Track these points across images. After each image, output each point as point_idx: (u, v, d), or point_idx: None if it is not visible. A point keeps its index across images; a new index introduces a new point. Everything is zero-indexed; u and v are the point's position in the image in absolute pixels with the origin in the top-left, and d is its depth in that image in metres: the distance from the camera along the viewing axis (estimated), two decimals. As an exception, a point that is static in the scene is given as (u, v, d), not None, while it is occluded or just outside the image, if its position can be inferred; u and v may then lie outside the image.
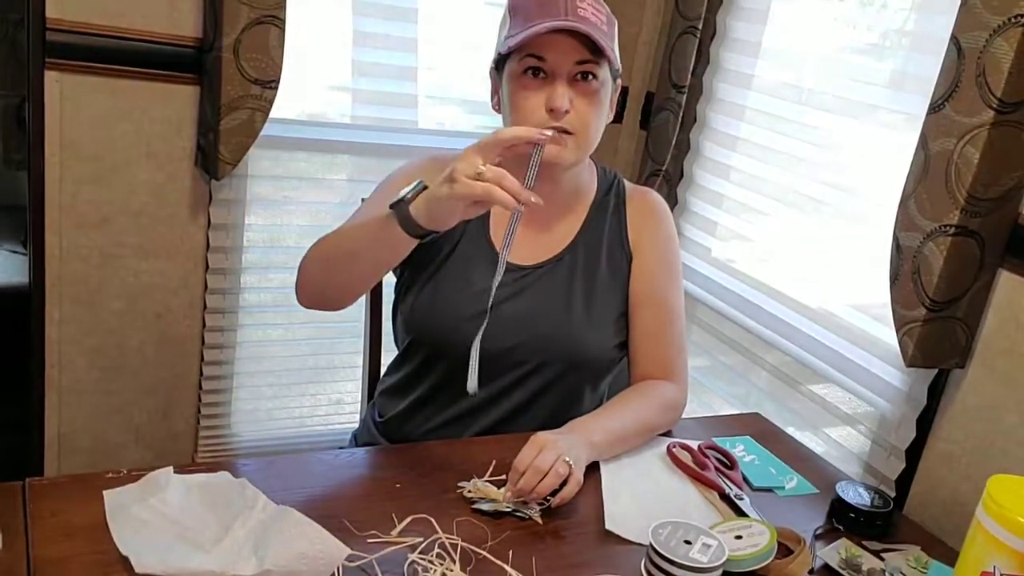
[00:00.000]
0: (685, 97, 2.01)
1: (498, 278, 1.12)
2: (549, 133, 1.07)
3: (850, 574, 1.09)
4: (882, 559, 1.13)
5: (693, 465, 1.27)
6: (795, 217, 1.85)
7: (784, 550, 1.09)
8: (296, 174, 2.02)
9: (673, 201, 2.12)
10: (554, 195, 1.31)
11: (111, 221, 1.83)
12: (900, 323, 1.43)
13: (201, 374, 2.04)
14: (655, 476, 1.25)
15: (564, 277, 1.33)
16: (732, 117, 2.02)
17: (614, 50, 1.23)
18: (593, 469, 1.19)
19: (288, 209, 2.04)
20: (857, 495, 1.21)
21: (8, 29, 2.51)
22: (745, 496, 1.21)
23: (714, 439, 1.36)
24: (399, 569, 0.96)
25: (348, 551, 0.91)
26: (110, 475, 1.03)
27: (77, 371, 1.91)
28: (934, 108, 1.36)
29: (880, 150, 1.66)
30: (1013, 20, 1.25)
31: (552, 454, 1.09)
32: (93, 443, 1.98)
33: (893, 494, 1.55)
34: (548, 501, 1.09)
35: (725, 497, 1.20)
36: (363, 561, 0.96)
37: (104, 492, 0.99)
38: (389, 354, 1.48)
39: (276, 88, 1.73)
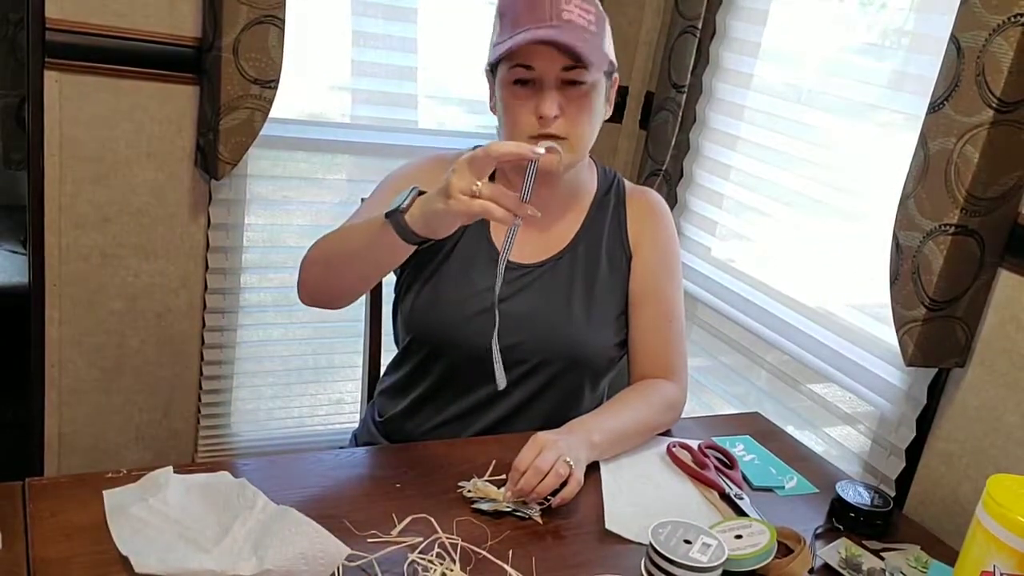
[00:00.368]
0: (685, 97, 2.00)
1: (499, 284, 1.12)
2: (542, 151, 1.03)
3: (850, 574, 1.09)
4: (882, 558, 1.13)
5: (693, 465, 1.27)
6: (795, 217, 1.85)
7: (784, 549, 1.09)
8: (296, 174, 2.02)
9: (673, 201, 2.12)
10: (553, 195, 1.32)
11: (111, 221, 1.83)
12: (900, 322, 1.43)
13: (201, 374, 2.04)
14: (655, 476, 1.25)
15: (564, 276, 1.33)
16: (732, 117, 2.02)
17: (604, 49, 1.22)
18: (593, 469, 1.19)
19: (288, 209, 2.04)
20: (857, 494, 1.21)
21: (8, 29, 2.51)
22: (745, 496, 1.21)
23: (714, 438, 1.36)
24: (399, 569, 0.96)
25: (348, 551, 0.91)
26: (110, 475, 1.03)
27: (77, 371, 1.91)
28: (934, 108, 1.36)
29: (880, 150, 1.66)
30: (1013, 19, 1.25)
31: (552, 454, 1.09)
32: (93, 443, 1.98)
33: (893, 493, 1.55)
34: (548, 501, 1.09)
35: (725, 497, 1.20)
36: (363, 561, 0.96)
37: (104, 492, 0.99)
38: (389, 354, 1.48)
39: (276, 88, 1.74)
